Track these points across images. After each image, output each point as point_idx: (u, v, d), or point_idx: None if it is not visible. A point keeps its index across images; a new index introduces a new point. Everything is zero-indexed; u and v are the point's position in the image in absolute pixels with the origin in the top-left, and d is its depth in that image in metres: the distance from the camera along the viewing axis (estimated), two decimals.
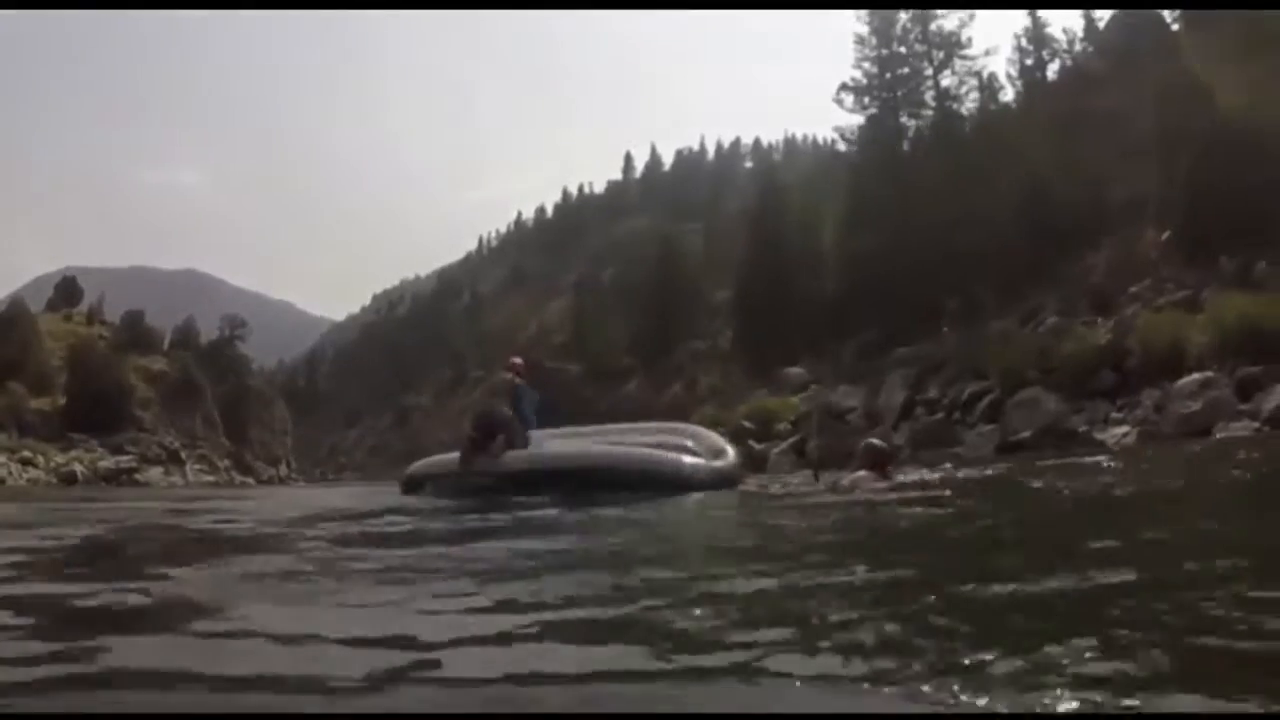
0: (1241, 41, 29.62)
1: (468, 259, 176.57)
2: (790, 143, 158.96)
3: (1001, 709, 1.65)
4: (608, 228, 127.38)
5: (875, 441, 10.18)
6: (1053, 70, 46.12)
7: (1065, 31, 45.85)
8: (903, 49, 38.32)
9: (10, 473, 42.60)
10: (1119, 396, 20.13)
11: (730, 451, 11.20)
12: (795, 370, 34.54)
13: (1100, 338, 22.04)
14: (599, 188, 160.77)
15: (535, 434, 11.33)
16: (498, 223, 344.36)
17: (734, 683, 1.89)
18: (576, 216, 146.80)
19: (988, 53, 39.99)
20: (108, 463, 52.76)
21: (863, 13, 38.60)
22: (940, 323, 31.72)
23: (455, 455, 11.10)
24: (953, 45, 37.65)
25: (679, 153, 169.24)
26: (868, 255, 35.24)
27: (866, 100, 38.78)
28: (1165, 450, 13.94)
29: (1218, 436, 15.37)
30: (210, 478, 58.82)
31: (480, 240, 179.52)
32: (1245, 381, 17.95)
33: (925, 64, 38.08)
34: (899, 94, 38.37)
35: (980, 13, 39.97)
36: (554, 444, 11.22)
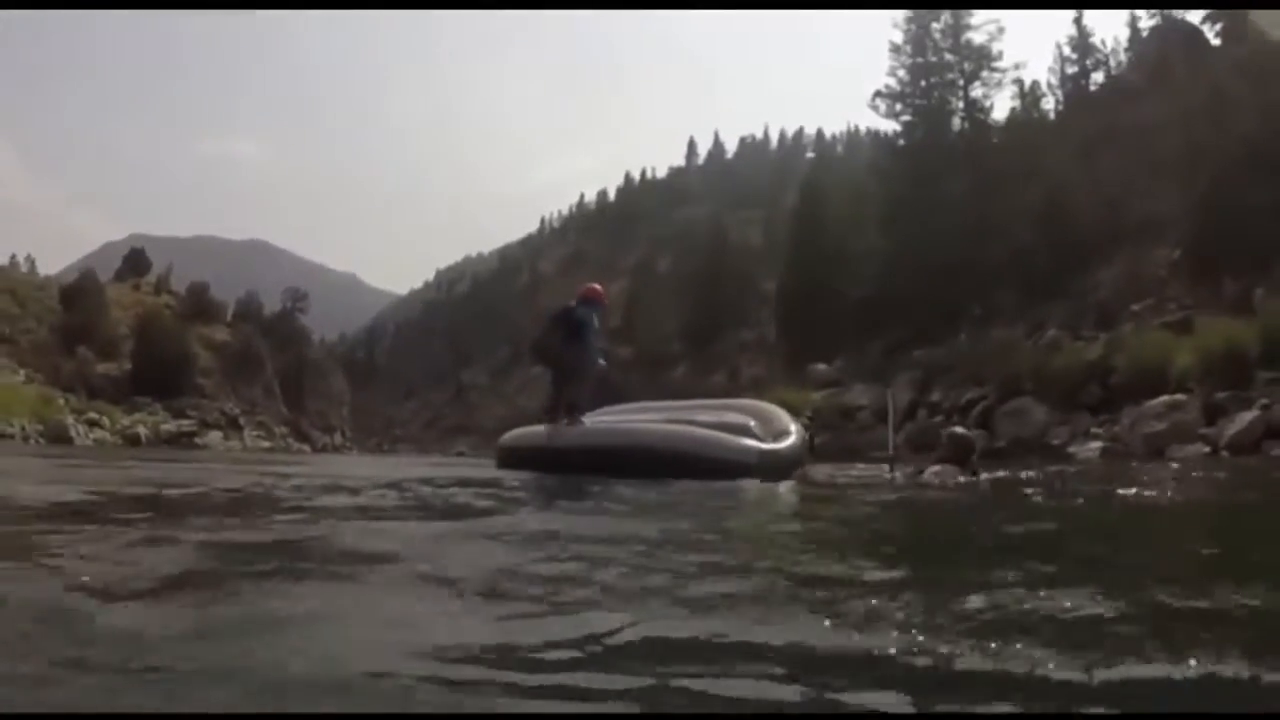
0: (1273, 57, 29.99)
1: (529, 239, 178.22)
2: (853, 135, 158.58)
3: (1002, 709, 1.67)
4: (668, 213, 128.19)
5: (959, 430, 9.93)
6: (1097, 79, 46.61)
7: (1101, 43, 46.36)
8: (935, 58, 39.27)
9: (78, 433, 44.75)
10: (1102, 412, 21.06)
11: (794, 433, 10.46)
12: (822, 366, 35.68)
13: (1091, 353, 22.95)
14: (661, 172, 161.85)
15: (602, 412, 11.05)
16: (562, 203, 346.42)
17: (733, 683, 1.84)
18: (638, 201, 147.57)
19: (1018, 66, 40.62)
20: (169, 426, 54.94)
21: (899, 19, 39.67)
22: (959, 327, 32.64)
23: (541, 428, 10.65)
24: (982, 57, 38.47)
25: (742, 140, 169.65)
26: (896, 257, 36.28)
27: (899, 107, 39.81)
28: (1110, 468, 14.95)
29: (1169, 459, 16.34)
30: (267, 444, 60.74)
31: (543, 220, 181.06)
32: (1213, 406, 18.83)
33: (957, 74, 38.95)
34: (930, 102, 39.31)
35: (1027, 18, 40.86)
36: (608, 419, 10.85)
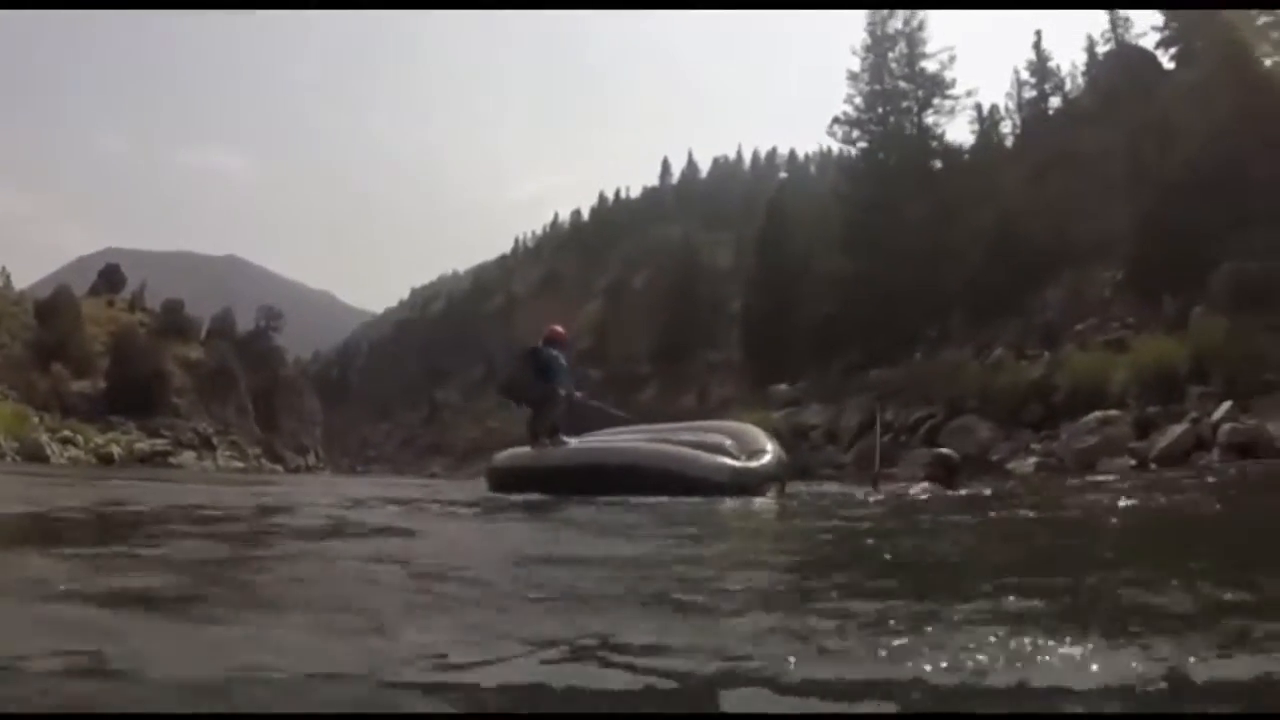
0: (1220, 82, 31.03)
1: (503, 260, 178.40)
2: (825, 156, 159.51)
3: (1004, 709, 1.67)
4: (642, 233, 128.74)
5: (944, 451, 10.27)
6: (1056, 103, 47.76)
7: (1057, 68, 47.46)
8: (891, 86, 40.60)
9: (53, 451, 45.08)
10: (1043, 429, 21.99)
11: (770, 452, 10.70)
12: (783, 387, 36.57)
13: (1033, 372, 23.90)
14: (635, 193, 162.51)
15: (591, 435, 11.53)
16: (540, 218, 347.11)
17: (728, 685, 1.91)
18: (612, 221, 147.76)
19: (969, 93, 42.23)
20: (143, 445, 55.28)
21: (858, 47, 41.03)
22: (915, 348, 33.59)
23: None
24: (935, 85, 39.83)
25: (716, 161, 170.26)
26: (853, 280, 37.30)
27: (856, 133, 41.11)
28: (1045, 482, 15.76)
29: (1099, 473, 17.19)
30: (240, 464, 61.02)
31: (517, 240, 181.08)
32: (1145, 421, 19.78)
33: (911, 101, 40.26)
34: (886, 128, 40.57)
35: (990, 44, 42.15)
36: (595, 440, 11.29)
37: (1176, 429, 18.64)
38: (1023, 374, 23.96)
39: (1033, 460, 19.65)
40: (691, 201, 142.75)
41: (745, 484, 9.72)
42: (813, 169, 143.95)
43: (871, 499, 9.03)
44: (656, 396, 65.57)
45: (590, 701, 1.90)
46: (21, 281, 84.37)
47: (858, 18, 41.87)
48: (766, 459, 10.57)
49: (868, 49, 40.59)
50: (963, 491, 8.97)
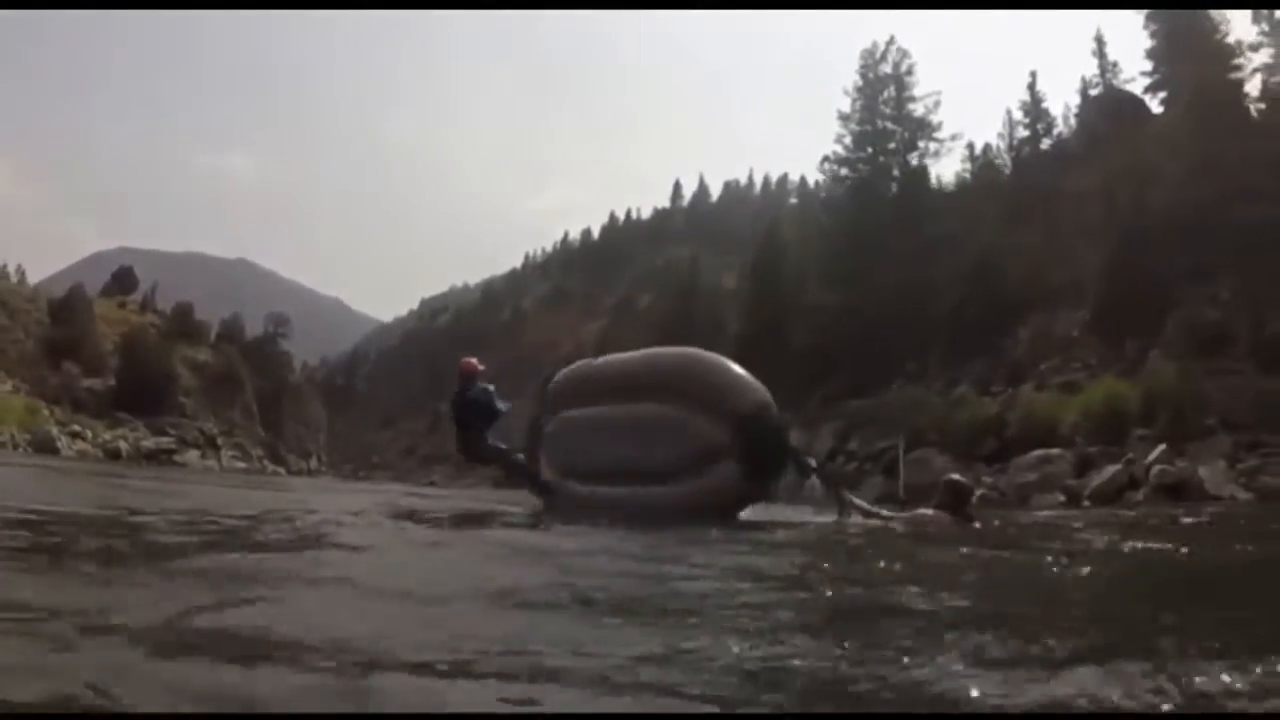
0: (1188, 129, 32.02)
1: (512, 274, 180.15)
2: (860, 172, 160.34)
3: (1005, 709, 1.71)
4: (650, 254, 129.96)
5: (956, 478, 9.50)
6: (1048, 144, 48.93)
7: (1048, 110, 48.59)
8: (880, 126, 42.22)
9: (62, 445, 46.50)
10: (996, 463, 23.18)
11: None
12: None
13: (990, 409, 25.12)
14: (646, 213, 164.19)
15: None
16: (553, 234, 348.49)
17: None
18: (621, 240, 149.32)
19: (954, 136, 44.29)
20: (149, 443, 56.40)
21: (850, 88, 42.65)
22: (892, 380, 34.78)
23: None
24: (921, 127, 41.46)
25: (727, 184, 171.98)
26: (837, 313, 38.66)
27: (844, 171, 42.70)
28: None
29: (1032, 508, 18.18)
30: (243, 464, 62.19)
31: (526, 256, 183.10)
32: (1083, 459, 20.96)
33: (898, 143, 41.88)
34: (873, 168, 42.15)
35: (991, 82, 43.52)
36: None
37: (1111, 468, 19.77)
38: (981, 410, 25.13)
39: (979, 492, 20.77)
40: (701, 223, 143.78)
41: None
42: (823, 195, 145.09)
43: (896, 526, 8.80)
44: None
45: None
46: (35, 274, 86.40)
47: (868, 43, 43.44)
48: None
49: (859, 90, 42.30)
50: (976, 524, 8.50)
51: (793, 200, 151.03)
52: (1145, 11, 37.48)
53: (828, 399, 36.39)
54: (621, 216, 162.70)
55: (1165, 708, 2.01)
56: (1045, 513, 15.23)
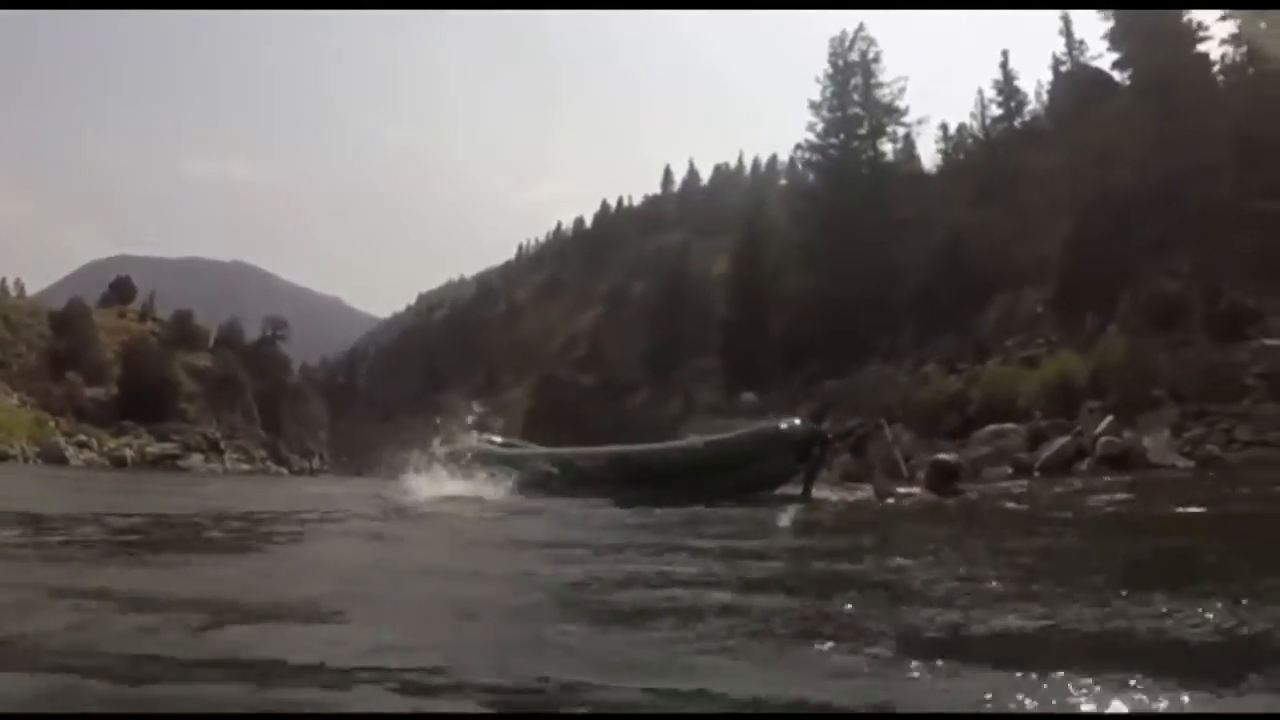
0: (1146, 107, 32.67)
1: (506, 266, 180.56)
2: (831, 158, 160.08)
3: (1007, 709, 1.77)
4: (643, 241, 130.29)
5: (944, 457, 10.34)
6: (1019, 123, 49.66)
7: (1020, 89, 49.39)
8: (850, 113, 43.37)
9: (70, 455, 47.60)
10: (958, 438, 24.20)
11: None
12: (748, 396, 38.79)
13: (953, 386, 26.16)
14: (637, 200, 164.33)
15: None
16: (547, 224, 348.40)
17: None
18: (614, 229, 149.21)
19: (921, 121, 45.77)
20: (154, 449, 57.39)
21: (821, 76, 43.82)
22: (867, 361, 35.77)
23: None
24: (885, 112, 42.67)
25: (717, 168, 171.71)
26: (813, 295, 39.75)
27: (817, 158, 43.89)
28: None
29: (983, 480, 19.11)
30: (246, 466, 63.16)
31: (520, 248, 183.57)
32: (1037, 433, 21.98)
33: (866, 129, 43.07)
34: (843, 154, 43.29)
35: (967, 62, 44.56)
36: None
37: (1061, 441, 20.81)
38: (945, 387, 26.17)
39: None
40: (692, 209, 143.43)
41: None
42: (811, 177, 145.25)
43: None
44: (647, 402, 67.44)
45: None
46: (34, 285, 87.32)
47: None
48: None
49: (829, 77, 43.50)
50: (950, 501, 9.07)
51: (782, 181, 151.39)
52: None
53: (808, 380, 37.41)
54: (613, 204, 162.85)
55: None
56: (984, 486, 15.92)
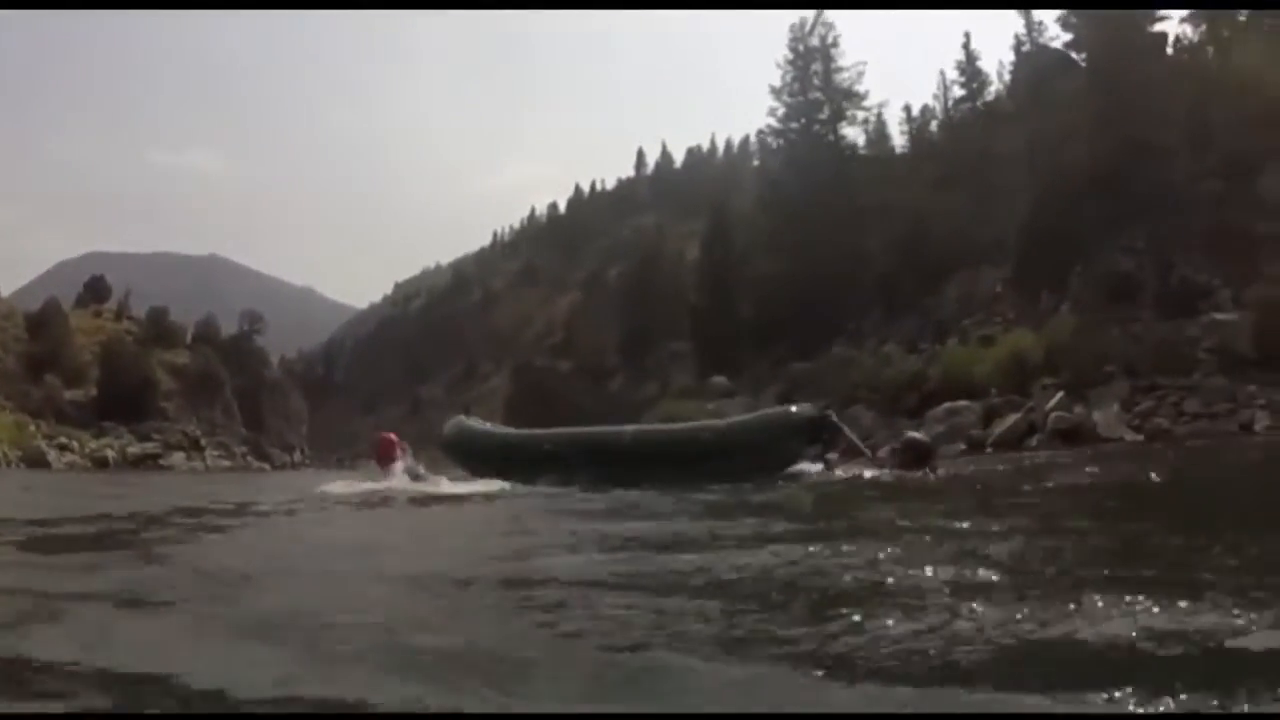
0: (1098, 86, 33.27)
1: (482, 253, 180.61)
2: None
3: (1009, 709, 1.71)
4: (617, 225, 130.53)
5: (915, 435, 10.41)
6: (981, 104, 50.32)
7: (982, 70, 50.01)
8: (811, 97, 44.17)
9: (52, 458, 47.84)
10: (917, 416, 25.03)
11: None
12: (719, 379, 39.64)
13: (913, 365, 26.99)
14: (610, 184, 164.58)
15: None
16: (522, 208, 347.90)
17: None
18: (587, 213, 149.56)
19: (881, 104, 46.93)
20: (135, 449, 57.57)
21: (782, 61, 44.57)
22: (833, 343, 36.58)
23: None
24: (845, 97, 43.54)
25: (689, 150, 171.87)
26: (780, 279, 40.51)
27: (780, 143, 44.71)
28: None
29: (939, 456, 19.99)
30: (227, 463, 63.32)
31: (494, 234, 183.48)
32: (990, 409, 22.81)
33: (827, 113, 43.89)
34: (805, 139, 44.11)
35: (922, 43, 45.25)
36: None
37: (1012, 417, 21.65)
38: (906, 367, 26.98)
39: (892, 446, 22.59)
40: (666, 192, 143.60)
41: None
42: (774, 162, 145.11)
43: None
44: (623, 387, 67.96)
45: None
46: (6, 288, 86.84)
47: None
48: None
49: (790, 63, 44.26)
50: (918, 474, 9.16)
51: (755, 163, 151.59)
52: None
53: (776, 363, 38.23)
54: (586, 189, 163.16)
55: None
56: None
